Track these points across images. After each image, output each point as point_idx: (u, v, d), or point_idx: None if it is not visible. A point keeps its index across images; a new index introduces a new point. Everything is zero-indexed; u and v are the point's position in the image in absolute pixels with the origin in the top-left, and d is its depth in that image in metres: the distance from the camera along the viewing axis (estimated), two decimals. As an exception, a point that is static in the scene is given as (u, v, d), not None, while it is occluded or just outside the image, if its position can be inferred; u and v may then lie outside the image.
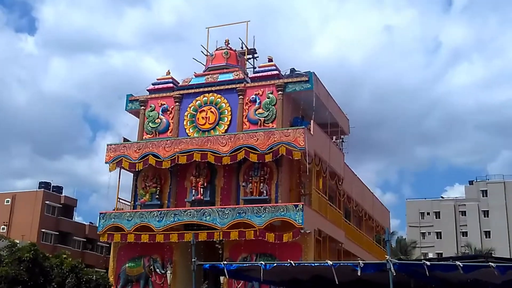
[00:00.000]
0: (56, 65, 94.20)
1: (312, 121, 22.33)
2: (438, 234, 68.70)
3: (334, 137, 27.17)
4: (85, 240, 55.06)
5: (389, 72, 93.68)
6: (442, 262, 11.50)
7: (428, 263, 10.61)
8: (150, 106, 24.60)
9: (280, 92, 22.59)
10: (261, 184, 21.62)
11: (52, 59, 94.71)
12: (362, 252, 27.06)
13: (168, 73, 25.32)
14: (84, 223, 56.88)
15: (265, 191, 21.55)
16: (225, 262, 17.10)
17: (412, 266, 11.41)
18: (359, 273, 10.88)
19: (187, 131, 23.60)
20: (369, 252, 28.81)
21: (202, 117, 23.51)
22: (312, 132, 21.90)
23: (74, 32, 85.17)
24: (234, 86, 23.37)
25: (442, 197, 73.89)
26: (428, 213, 70.61)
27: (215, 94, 23.59)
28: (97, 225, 23.47)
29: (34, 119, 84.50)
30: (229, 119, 23.08)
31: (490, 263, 10.92)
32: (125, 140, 24.35)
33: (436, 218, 69.84)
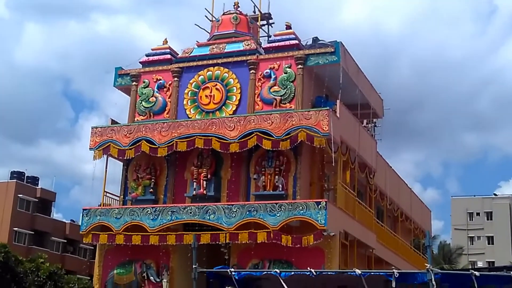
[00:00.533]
0: (31, 31, 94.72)
1: (338, 101, 22.27)
2: (490, 239, 68.62)
3: (365, 121, 27.11)
4: (65, 241, 55.64)
5: (431, 43, 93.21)
6: (494, 273, 11.48)
7: (477, 273, 10.60)
8: (144, 82, 24.66)
9: (300, 66, 22.54)
10: (276, 176, 21.64)
11: (26, 25, 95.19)
12: (397, 260, 27.13)
13: (165, 42, 25.32)
14: (64, 221, 57.48)
15: (280, 185, 21.57)
16: (232, 270, 17.32)
17: (457, 277, 11.42)
18: (393, 285, 10.92)
19: (187, 112, 23.64)
20: (405, 260, 28.91)
21: (206, 96, 23.52)
22: (338, 115, 21.86)
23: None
24: (244, 58, 23.34)
25: (495, 195, 73.70)
26: (477, 214, 70.51)
27: (222, 68, 23.59)
28: (80, 224, 23.56)
29: (4, 96, 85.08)
30: (238, 98, 23.09)
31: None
32: (113, 122, 24.37)
33: (488, 219, 69.73)
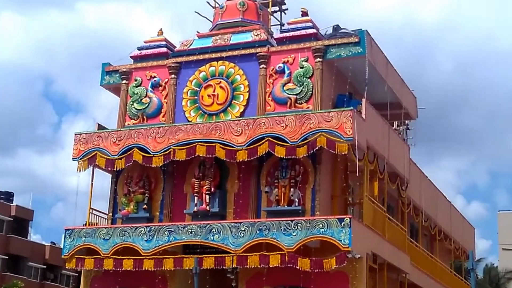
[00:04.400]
0: (6, 22, 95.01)
1: (364, 100, 22.29)
2: (544, 261, 68.12)
3: (396, 123, 27.34)
4: (44, 266, 55.83)
5: (476, 31, 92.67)
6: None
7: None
8: (135, 80, 24.75)
9: (318, 59, 22.56)
10: (291, 189, 21.66)
11: (2, 15, 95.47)
12: (435, 285, 27.33)
13: (160, 33, 25.45)
14: (44, 243, 57.68)
15: (296, 199, 21.61)
16: (241, 299, 17.35)
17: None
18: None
19: (186, 115, 23.74)
20: (444, 286, 28.95)
21: (208, 95, 23.59)
22: (364, 116, 21.88)
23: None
24: (253, 50, 23.40)
25: (551, 209, 73.19)
26: (530, 231, 70.04)
27: (227, 62, 23.66)
28: (62, 247, 23.64)
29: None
30: (246, 97, 23.17)
31: None
32: (100, 127, 24.45)
33: (542, 238, 69.23)
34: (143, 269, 21.87)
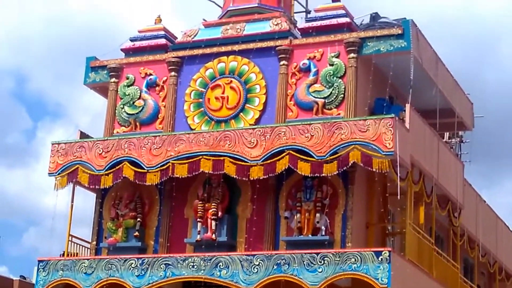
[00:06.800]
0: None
1: (408, 106, 22.20)
2: None
3: (447, 135, 27.38)
4: (13, 307, 55.76)
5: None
6: None
7: None
8: (127, 78, 24.84)
9: (352, 55, 22.56)
10: (317, 214, 21.61)
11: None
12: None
13: (158, 20, 25.59)
14: (12, 277, 57.60)
15: (323, 227, 21.58)
16: None
17: None
18: None
19: (189, 122, 23.79)
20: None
21: (216, 98, 23.62)
22: (407, 125, 21.82)
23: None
24: (272, 43, 23.42)
25: None
26: None
27: (239, 58, 23.71)
28: (34, 282, 23.95)
29: None
30: (263, 101, 23.20)
31: None
32: (83, 135, 24.54)
33: None
34: (134, 311, 21.99)
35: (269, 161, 21.57)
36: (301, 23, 24.43)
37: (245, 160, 21.83)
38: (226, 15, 25.10)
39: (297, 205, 21.90)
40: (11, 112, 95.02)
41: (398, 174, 20.89)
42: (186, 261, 21.78)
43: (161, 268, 21.93)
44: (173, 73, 24.27)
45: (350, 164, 20.97)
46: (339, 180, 21.75)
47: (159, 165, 22.60)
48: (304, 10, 26.73)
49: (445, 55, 25.18)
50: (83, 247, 24.30)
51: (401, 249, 21.98)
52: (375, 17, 23.73)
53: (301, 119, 22.27)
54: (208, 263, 21.50)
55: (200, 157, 22.23)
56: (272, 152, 21.61)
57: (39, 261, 23.28)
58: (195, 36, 24.53)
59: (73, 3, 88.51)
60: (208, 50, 23.98)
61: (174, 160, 22.48)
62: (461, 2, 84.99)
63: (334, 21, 23.19)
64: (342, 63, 22.57)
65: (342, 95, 22.31)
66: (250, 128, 22.37)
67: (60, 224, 23.78)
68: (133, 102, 24.49)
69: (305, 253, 20.66)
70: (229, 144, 22.10)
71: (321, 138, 21.24)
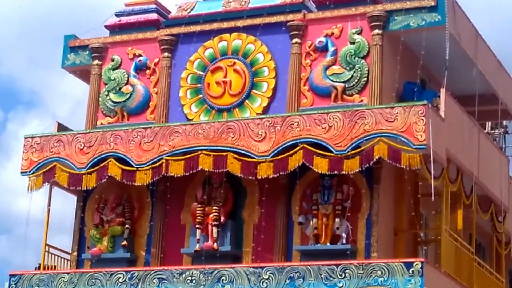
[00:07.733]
0: None
1: (443, 91, 21.88)
2: None
3: (489, 124, 27.34)
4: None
5: None
6: None
7: None
8: (112, 60, 24.72)
9: (377, 31, 22.23)
10: (337, 219, 21.28)
11: None
12: None
13: (149, -7, 25.81)
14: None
15: (344, 234, 21.28)
16: None
17: None
18: None
19: (185, 111, 23.56)
20: None
21: (217, 82, 23.37)
22: (443, 113, 21.47)
23: None
24: (282, 18, 23.15)
25: None
26: None
27: (244, 35, 23.49)
28: (5, 299, 23.98)
29: None
30: (272, 86, 22.91)
31: None
32: (62, 127, 24.46)
33: None
34: (122, 333, 22.32)
35: (279, 157, 21.35)
36: (316, -5, 24.72)
37: (252, 155, 21.59)
38: (227, -15, 25.47)
39: (313, 209, 21.66)
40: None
41: (432, 172, 20.74)
42: (183, 275, 21.66)
43: (154, 283, 21.84)
44: (166, 54, 24.16)
45: (375, 159, 20.73)
46: (362, 178, 21.41)
47: (150, 162, 22.44)
48: (319, -20, 26.08)
49: (487, 31, 25.53)
50: (62, 259, 24.31)
51: (435, 259, 22.11)
52: (402, -13, 23.44)
53: (317, 107, 22.09)
54: (209, 277, 21.36)
55: (199, 152, 22.04)
56: (283, 146, 21.37)
57: (11, 276, 23.31)
58: (192, 10, 24.45)
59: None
60: (207, 27, 23.85)
61: (168, 156, 22.31)
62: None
63: (354, -8, 23.48)
64: (365, 40, 22.38)
65: (365, 79, 22.10)
66: (257, 118, 22.15)
67: (35, 232, 24.23)
68: (120, 88, 24.39)
69: (322, 265, 20.51)
70: (232, 137, 21.88)
71: (340, 129, 20.99)
